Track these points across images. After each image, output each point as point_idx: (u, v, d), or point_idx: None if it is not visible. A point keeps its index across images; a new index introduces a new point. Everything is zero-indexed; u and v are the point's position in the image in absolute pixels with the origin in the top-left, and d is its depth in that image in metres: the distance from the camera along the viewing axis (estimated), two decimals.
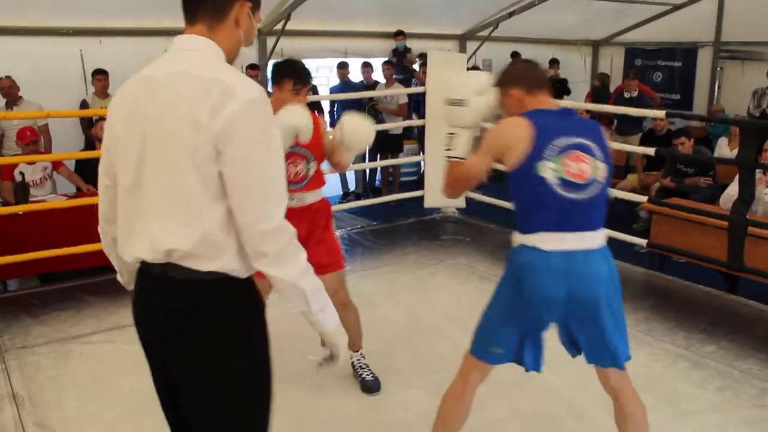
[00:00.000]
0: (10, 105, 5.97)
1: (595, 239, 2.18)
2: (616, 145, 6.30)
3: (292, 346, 3.58)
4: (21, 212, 4.50)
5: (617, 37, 10.65)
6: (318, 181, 3.05)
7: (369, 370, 3.24)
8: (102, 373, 3.19)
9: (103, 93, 6.40)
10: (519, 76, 2.30)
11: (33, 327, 3.77)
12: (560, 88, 8.93)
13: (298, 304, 1.58)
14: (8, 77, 6.01)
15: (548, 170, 2.11)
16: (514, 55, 9.59)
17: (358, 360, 3.26)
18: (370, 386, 3.17)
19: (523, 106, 2.26)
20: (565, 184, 2.12)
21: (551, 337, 2.33)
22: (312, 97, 7.48)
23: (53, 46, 6.44)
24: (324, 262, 2.89)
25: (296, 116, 2.76)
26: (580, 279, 2.14)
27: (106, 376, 3.17)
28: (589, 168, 2.14)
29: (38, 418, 2.86)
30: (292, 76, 2.86)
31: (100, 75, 6.38)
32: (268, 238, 1.50)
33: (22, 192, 4.83)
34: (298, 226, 2.85)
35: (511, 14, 8.71)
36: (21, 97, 6.03)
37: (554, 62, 9.54)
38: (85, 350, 3.46)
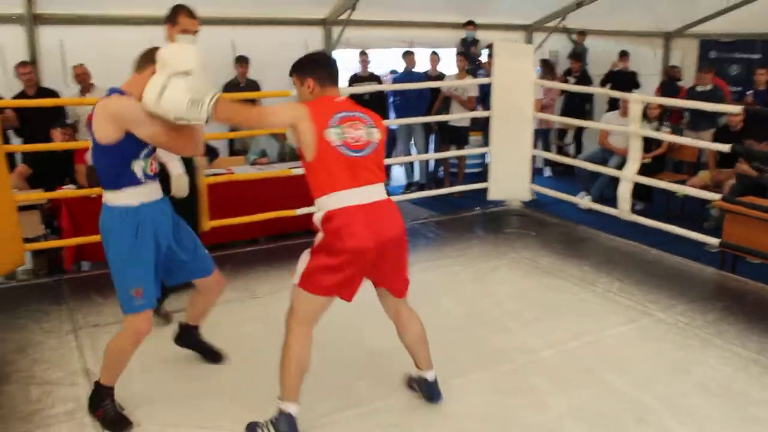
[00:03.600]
0: (83, 92, 6.30)
1: None
2: (687, 141, 6.13)
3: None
4: (94, 195, 4.64)
5: (690, 29, 10.28)
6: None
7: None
8: (168, 352, 3.30)
9: None
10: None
11: (105, 307, 3.92)
12: (629, 81, 8.70)
13: None
14: (81, 65, 6.30)
15: None
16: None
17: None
18: None
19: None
20: None
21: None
22: (374, 87, 7.49)
23: (124, 34, 6.65)
24: None
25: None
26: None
27: (172, 355, 3.27)
28: None
29: None
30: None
31: None
32: None
33: (94, 175, 4.99)
34: None
35: (579, 4, 8.52)
36: (93, 84, 6.31)
37: (624, 54, 9.28)
38: (153, 330, 3.57)
